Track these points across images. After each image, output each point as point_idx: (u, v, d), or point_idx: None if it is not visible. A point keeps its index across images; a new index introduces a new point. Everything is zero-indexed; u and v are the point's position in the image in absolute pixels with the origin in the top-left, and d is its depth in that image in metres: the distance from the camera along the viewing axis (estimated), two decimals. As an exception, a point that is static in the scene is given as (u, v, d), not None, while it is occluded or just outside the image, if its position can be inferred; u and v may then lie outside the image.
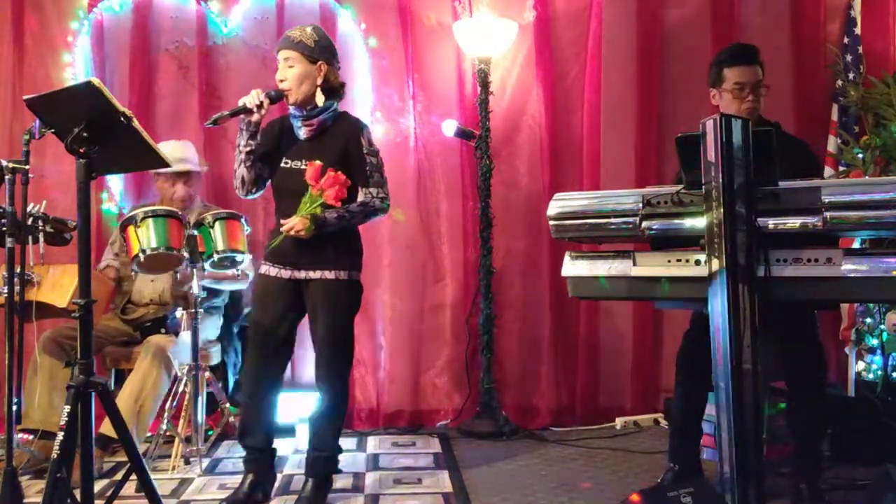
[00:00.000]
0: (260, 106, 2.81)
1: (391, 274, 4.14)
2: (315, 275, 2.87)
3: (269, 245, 2.86)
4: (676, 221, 2.25)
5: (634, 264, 2.31)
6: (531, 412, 4.15)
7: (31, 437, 3.22)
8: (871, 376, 3.83)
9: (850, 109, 4.10)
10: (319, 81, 2.85)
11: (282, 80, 2.84)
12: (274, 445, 3.01)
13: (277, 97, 2.85)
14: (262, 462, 2.96)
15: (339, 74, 2.96)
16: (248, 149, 2.88)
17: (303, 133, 2.91)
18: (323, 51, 2.86)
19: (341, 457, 3.00)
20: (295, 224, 2.74)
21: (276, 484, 3.08)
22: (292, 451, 3.64)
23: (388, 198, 2.95)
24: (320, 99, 2.86)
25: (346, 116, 3.01)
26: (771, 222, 2.11)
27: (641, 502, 2.13)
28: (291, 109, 2.92)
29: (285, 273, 2.90)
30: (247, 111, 2.81)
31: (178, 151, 3.65)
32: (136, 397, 3.29)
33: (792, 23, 4.26)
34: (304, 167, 2.83)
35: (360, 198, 2.90)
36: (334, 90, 2.91)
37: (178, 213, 3.26)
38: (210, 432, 3.69)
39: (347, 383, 3.03)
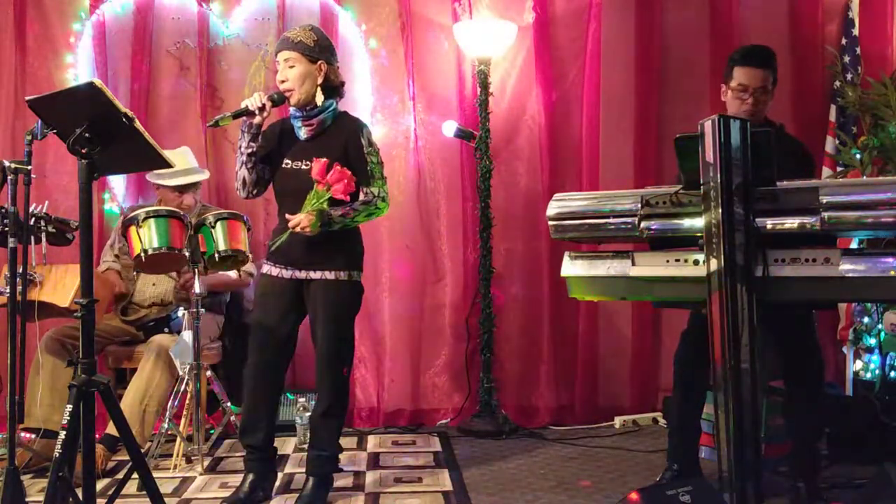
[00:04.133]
0: (262, 108, 2.82)
1: (391, 274, 4.16)
2: (316, 275, 2.88)
3: (274, 243, 2.87)
4: (675, 222, 2.26)
5: (633, 264, 2.32)
6: (531, 411, 4.17)
7: (33, 436, 3.23)
8: (868, 376, 3.84)
9: (847, 110, 4.10)
10: (320, 80, 2.86)
11: (283, 81, 2.85)
12: (274, 444, 3.02)
13: (280, 100, 2.87)
14: (262, 461, 2.96)
15: (339, 73, 2.97)
16: (249, 151, 2.89)
17: (303, 133, 2.92)
18: (322, 50, 2.87)
19: (342, 456, 3.01)
20: (301, 220, 2.74)
21: (277, 483, 3.09)
22: (293, 450, 3.65)
23: (388, 197, 2.96)
24: (320, 98, 2.88)
25: (346, 116, 3.01)
26: (769, 222, 2.12)
27: (640, 501, 2.13)
28: (292, 110, 2.92)
29: (286, 273, 2.92)
30: (248, 113, 2.83)
31: (184, 163, 3.68)
32: (141, 399, 3.31)
33: (790, 24, 4.27)
34: (305, 167, 2.84)
35: (361, 197, 2.91)
36: (335, 89, 2.92)
37: (179, 213, 3.27)
38: (212, 431, 3.71)
39: (348, 383, 3.04)
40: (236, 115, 2.83)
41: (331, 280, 2.88)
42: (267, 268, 2.97)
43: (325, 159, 2.77)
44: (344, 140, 2.90)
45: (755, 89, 2.86)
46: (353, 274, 2.93)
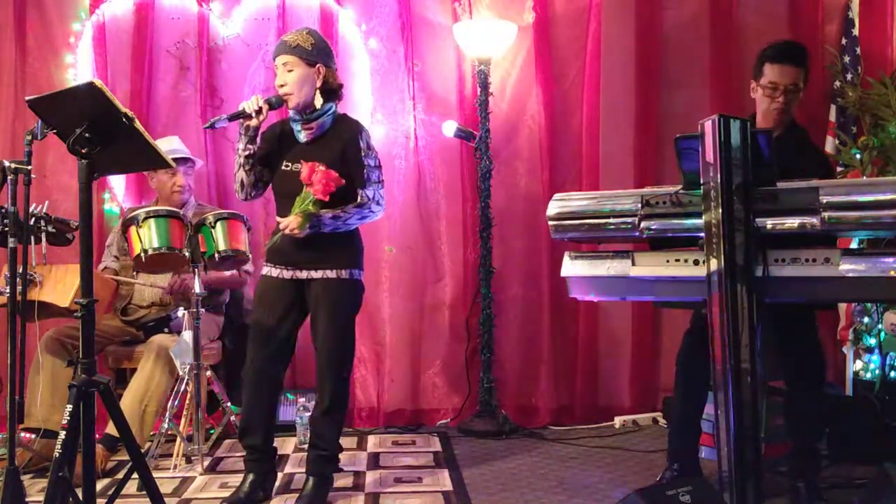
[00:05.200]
0: (259, 112, 2.83)
1: (391, 274, 4.16)
2: (316, 274, 2.89)
3: (268, 245, 2.88)
4: (675, 222, 2.27)
5: (633, 264, 2.33)
6: (530, 411, 4.17)
7: (33, 436, 3.22)
8: (868, 376, 3.84)
9: (847, 110, 4.10)
10: (318, 83, 2.87)
11: (282, 85, 2.86)
12: (274, 444, 3.02)
13: (278, 103, 2.87)
14: (262, 461, 2.97)
15: (337, 76, 2.97)
16: (246, 153, 2.90)
17: (303, 136, 2.92)
18: (320, 53, 2.88)
19: (342, 455, 3.01)
20: (290, 223, 2.75)
21: (277, 483, 3.10)
22: (293, 450, 3.65)
23: (383, 200, 2.96)
24: (319, 101, 2.88)
25: (345, 118, 3.02)
26: (769, 222, 2.12)
27: (640, 501, 2.14)
28: (291, 113, 2.93)
29: (287, 273, 2.92)
30: (245, 116, 2.84)
31: (171, 145, 3.67)
32: (141, 399, 3.31)
33: (790, 23, 4.26)
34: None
35: (357, 200, 2.91)
36: (333, 91, 2.93)
37: (179, 213, 3.28)
38: (212, 431, 3.71)
39: (348, 382, 3.04)
40: (232, 118, 2.84)
41: (332, 279, 2.88)
42: (267, 269, 2.97)
43: (313, 162, 2.77)
44: (342, 143, 2.90)
45: (787, 88, 2.78)
46: (353, 272, 2.93)
